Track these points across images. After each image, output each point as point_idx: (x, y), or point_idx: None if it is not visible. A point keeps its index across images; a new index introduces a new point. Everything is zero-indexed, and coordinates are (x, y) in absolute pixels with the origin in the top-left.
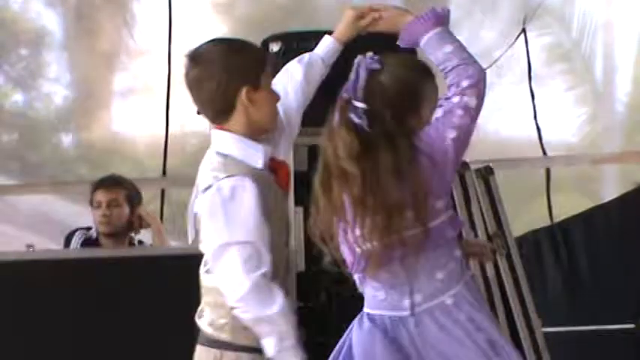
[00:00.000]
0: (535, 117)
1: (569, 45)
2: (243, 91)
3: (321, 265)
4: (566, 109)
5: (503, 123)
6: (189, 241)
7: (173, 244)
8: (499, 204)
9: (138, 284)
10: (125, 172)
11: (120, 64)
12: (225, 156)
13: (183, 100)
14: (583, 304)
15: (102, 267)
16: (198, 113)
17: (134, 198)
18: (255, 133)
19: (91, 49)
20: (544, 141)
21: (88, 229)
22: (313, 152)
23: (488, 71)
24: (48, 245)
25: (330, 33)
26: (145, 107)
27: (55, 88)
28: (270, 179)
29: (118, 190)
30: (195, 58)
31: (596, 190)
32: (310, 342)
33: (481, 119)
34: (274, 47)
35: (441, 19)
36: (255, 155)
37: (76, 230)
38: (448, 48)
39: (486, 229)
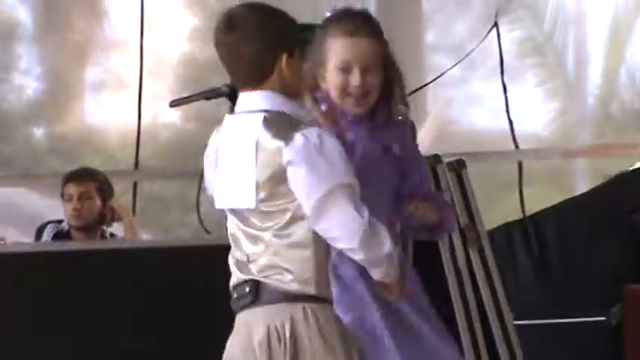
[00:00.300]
0: (507, 110)
1: (542, 38)
2: (284, 58)
3: None
4: (538, 102)
5: (476, 116)
6: (254, 205)
7: (145, 237)
8: (471, 197)
9: (109, 277)
10: (97, 164)
11: (92, 57)
12: (280, 112)
13: (155, 93)
14: (554, 296)
15: (73, 260)
16: (171, 106)
17: (106, 190)
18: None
19: (63, 41)
20: (516, 134)
21: (60, 222)
22: None
23: (459, 65)
24: (19, 238)
25: (301, 26)
26: (117, 100)
27: (27, 80)
28: None
29: (89, 182)
30: (232, 21)
31: (567, 184)
32: None
33: (454, 112)
34: None
35: None
36: (306, 114)
37: (48, 223)
38: None
39: (459, 222)
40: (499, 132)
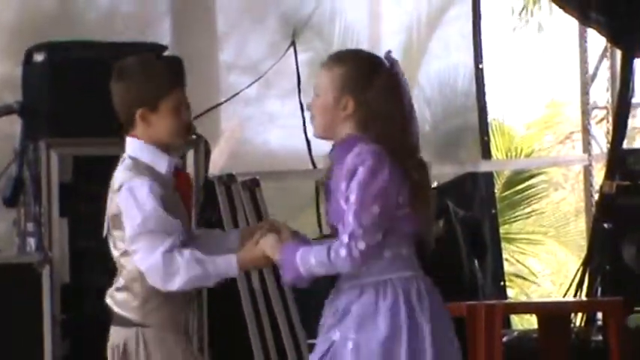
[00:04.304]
0: (305, 130)
1: None
2: (138, 113)
3: (85, 277)
4: None
5: (273, 136)
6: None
7: None
8: (265, 215)
9: None
10: None
11: None
12: (135, 159)
13: None
14: None
15: None
16: None
17: None
18: (158, 145)
19: None
20: (313, 153)
21: None
22: (78, 163)
23: (256, 84)
24: None
25: (95, 44)
26: None
27: None
28: (171, 184)
29: None
30: (117, 71)
31: None
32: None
33: (251, 131)
34: (38, 57)
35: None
36: (161, 162)
37: None
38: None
39: None
40: (297, 151)
